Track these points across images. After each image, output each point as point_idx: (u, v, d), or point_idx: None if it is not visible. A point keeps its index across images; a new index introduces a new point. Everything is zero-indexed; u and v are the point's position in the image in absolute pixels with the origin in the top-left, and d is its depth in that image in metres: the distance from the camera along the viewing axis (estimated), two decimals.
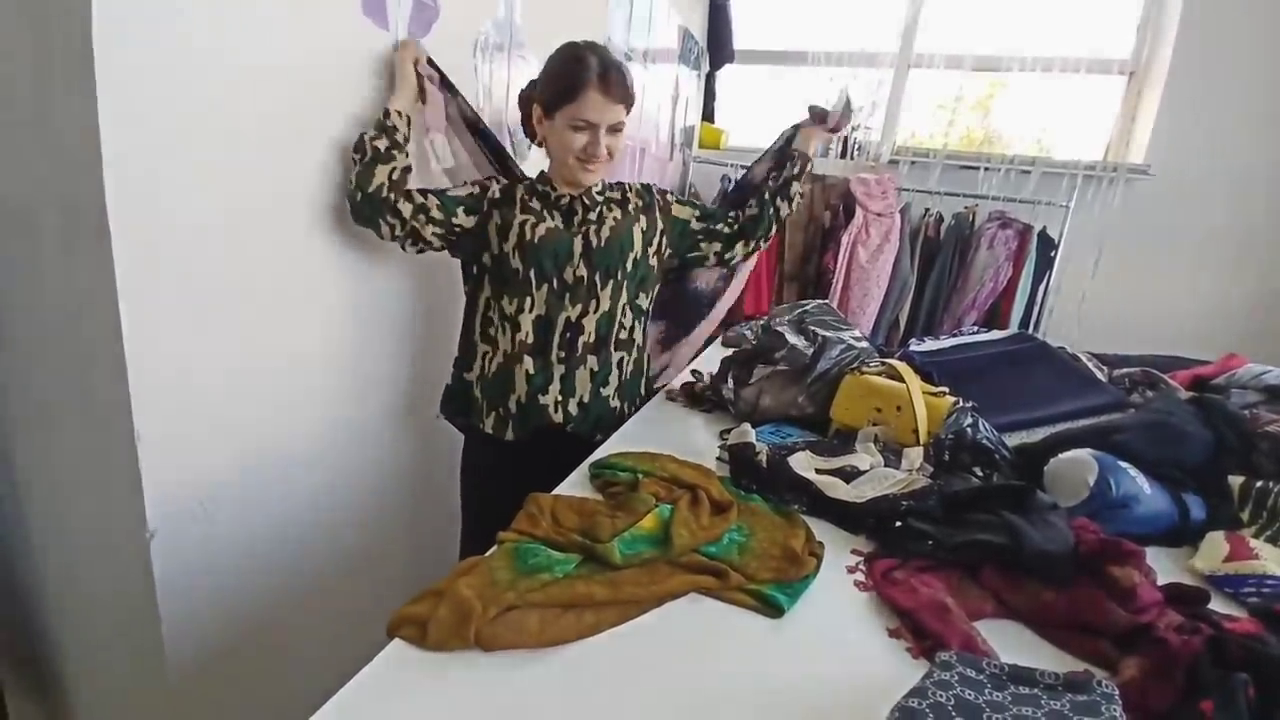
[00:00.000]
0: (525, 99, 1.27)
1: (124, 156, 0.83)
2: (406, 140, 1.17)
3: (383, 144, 1.12)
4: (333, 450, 1.28)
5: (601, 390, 1.28)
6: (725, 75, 3.12)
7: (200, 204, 0.95)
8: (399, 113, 1.15)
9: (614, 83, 1.14)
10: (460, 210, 1.20)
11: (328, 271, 1.19)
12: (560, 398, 1.25)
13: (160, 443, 0.95)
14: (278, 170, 1.05)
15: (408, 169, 1.16)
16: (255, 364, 1.09)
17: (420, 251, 1.22)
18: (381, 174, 1.12)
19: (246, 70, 0.96)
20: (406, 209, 1.15)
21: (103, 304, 0.87)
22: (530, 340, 1.22)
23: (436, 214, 1.17)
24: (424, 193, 1.17)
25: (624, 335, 1.29)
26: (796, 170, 1.39)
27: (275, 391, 1.14)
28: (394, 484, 1.47)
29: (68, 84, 0.81)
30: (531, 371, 1.23)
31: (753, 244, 1.41)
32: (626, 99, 1.17)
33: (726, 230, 1.39)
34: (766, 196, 1.39)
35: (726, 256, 1.41)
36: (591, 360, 1.26)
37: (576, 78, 1.13)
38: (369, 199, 1.12)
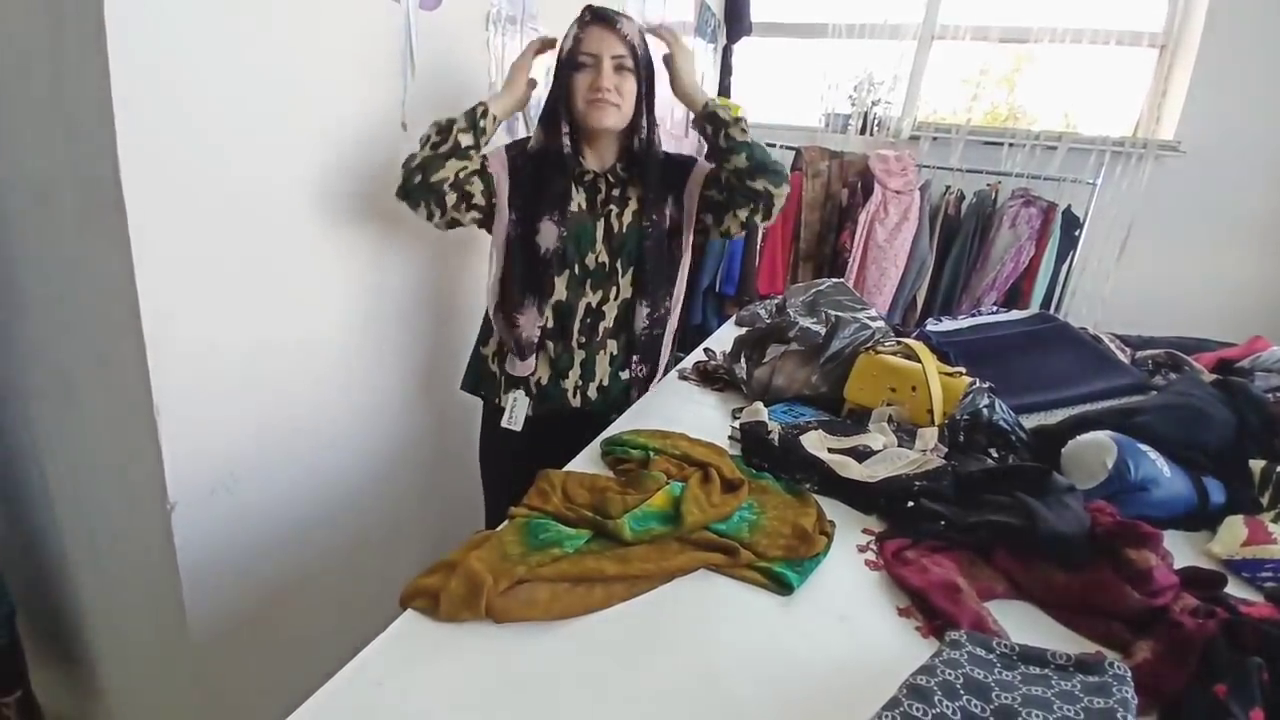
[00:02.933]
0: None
1: (138, 134, 0.84)
2: (486, 144, 1.17)
3: (467, 140, 1.12)
4: (351, 424, 1.30)
5: (620, 374, 1.30)
6: (742, 48, 3.06)
7: (214, 180, 0.95)
8: (494, 117, 1.16)
9: (610, 15, 1.14)
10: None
11: (343, 246, 1.20)
12: (580, 382, 1.26)
13: (179, 416, 0.96)
14: (289, 144, 1.05)
15: (475, 172, 1.15)
16: (273, 338, 1.10)
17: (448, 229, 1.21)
18: (451, 169, 1.12)
19: (258, 45, 0.96)
20: (452, 198, 1.14)
21: (120, 279, 0.88)
22: (550, 325, 1.23)
23: (480, 199, 1.17)
24: (470, 177, 1.16)
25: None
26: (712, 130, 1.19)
27: (293, 365, 1.15)
28: (411, 457, 1.49)
29: (81, 62, 0.81)
30: (553, 356, 1.25)
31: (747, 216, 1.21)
32: (626, 29, 1.15)
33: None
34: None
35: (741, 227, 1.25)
36: (611, 345, 1.27)
37: (575, 23, 1.16)
38: (428, 186, 1.11)
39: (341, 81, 1.11)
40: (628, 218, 1.21)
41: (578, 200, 1.20)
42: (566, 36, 1.17)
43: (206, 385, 1.00)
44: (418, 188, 1.11)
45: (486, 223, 1.21)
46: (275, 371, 1.12)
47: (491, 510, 1.43)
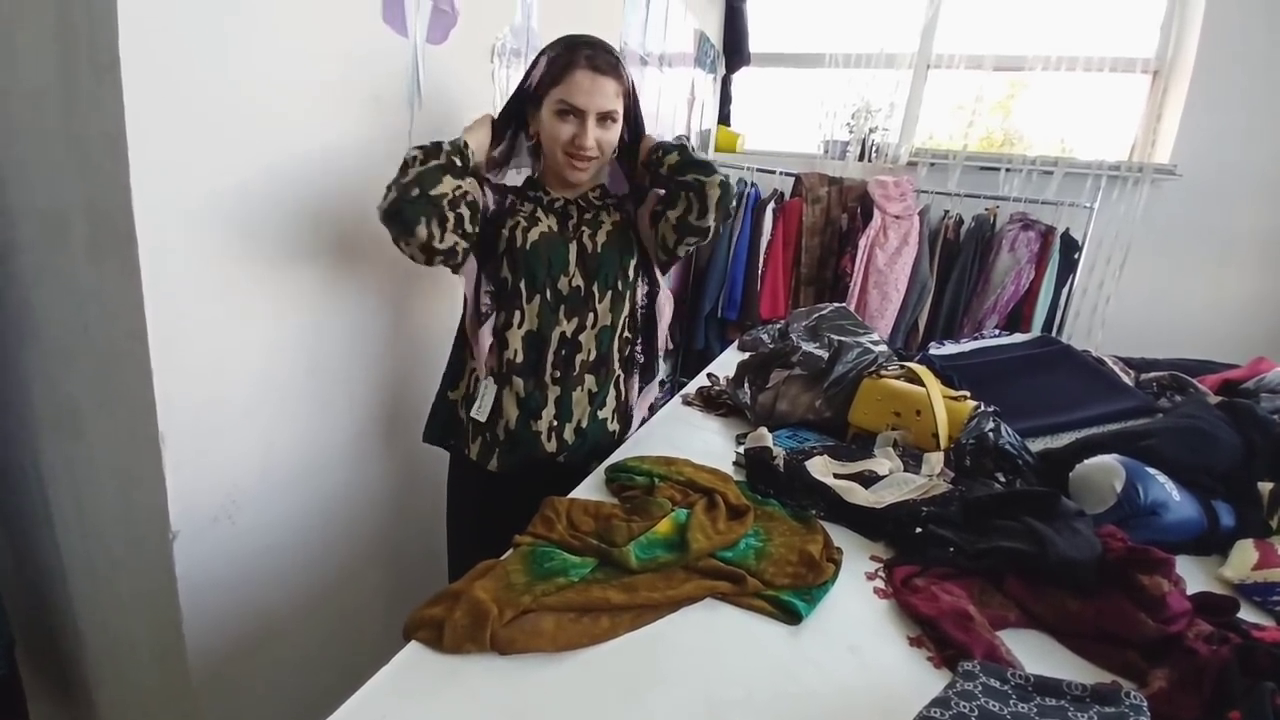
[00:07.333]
0: (518, 98, 1.16)
1: (150, 165, 0.85)
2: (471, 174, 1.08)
3: (459, 160, 1.04)
4: (352, 454, 1.29)
5: (599, 413, 1.18)
6: (741, 78, 3.12)
7: (225, 210, 0.96)
8: (472, 151, 1.08)
9: (603, 62, 1.06)
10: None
11: (350, 281, 1.20)
12: (555, 423, 1.14)
13: (183, 445, 0.96)
14: (299, 175, 1.06)
15: (466, 193, 1.04)
16: (276, 370, 1.10)
17: (440, 263, 1.06)
18: (449, 184, 1.00)
19: (268, 77, 0.98)
20: (452, 218, 1.01)
21: (129, 308, 0.89)
22: (520, 359, 1.12)
23: (469, 226, 1.05)
24: (462, 196, 1.05)
25: (628, 352, 1.22)
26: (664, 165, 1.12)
27: (296, 396, 1.15)
28: (411, 487, 1.48)
29: (95, 94, 0.83)
30: (522, 394, 1.13)
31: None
32: (618, 78, 1.08)
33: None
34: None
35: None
36: (590, 380, 1.16)
37: (563, 58, 1.06)
38: (428, 200, 0.98)
39: (351, 112, 1.13)
40: (602, 238, 1.13)
41: (547, 223, 1.12)
42: (551, 64, 1.06)
43: (211, 414, 1.00)
44: (415, 202, 0.97)
45: (464, 259, 1.08)
46: (279, 399, 1.12)
47: (455, 569, 1.31)
